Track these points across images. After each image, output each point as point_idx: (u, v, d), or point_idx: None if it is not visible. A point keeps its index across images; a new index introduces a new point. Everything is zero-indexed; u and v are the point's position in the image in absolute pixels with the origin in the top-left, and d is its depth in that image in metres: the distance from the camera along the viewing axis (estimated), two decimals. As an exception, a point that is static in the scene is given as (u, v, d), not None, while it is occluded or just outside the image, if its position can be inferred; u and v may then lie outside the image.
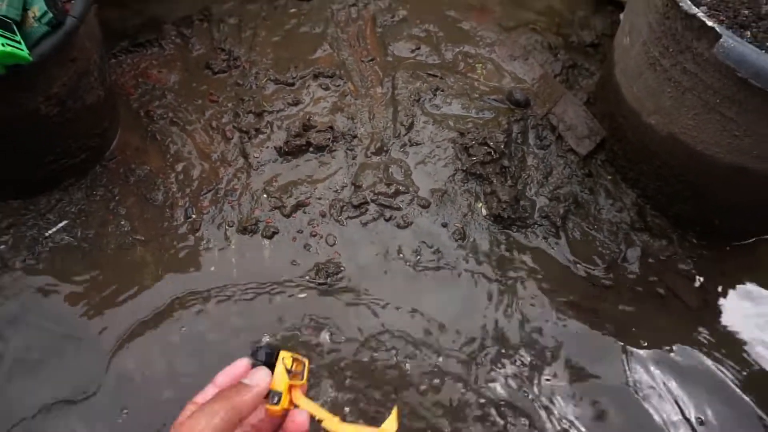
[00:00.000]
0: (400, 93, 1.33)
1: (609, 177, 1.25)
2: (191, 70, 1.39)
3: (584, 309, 1.11)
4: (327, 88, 1.34)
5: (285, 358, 0.48)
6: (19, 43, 0.80)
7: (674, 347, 1.08)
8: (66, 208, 1.19)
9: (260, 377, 0.47)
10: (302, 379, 0.48)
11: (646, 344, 1.08)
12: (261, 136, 1.27)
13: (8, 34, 0.79)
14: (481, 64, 1.39)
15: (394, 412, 0.46)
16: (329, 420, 0.46)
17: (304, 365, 0.49)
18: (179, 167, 1.25)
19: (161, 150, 1.27)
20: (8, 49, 0.76)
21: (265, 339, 1.05)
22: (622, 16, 1.32)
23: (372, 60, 1.38)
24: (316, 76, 1.35)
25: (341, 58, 1.39)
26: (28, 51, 0.81)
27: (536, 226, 1.19)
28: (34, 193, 1.18)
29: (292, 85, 1.34)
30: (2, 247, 1.14)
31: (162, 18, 1.47)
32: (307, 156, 1.25)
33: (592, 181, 1.24)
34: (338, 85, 1.34)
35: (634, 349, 1.07)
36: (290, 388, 0.47)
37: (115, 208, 1.20)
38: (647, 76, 0.96)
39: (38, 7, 0.85)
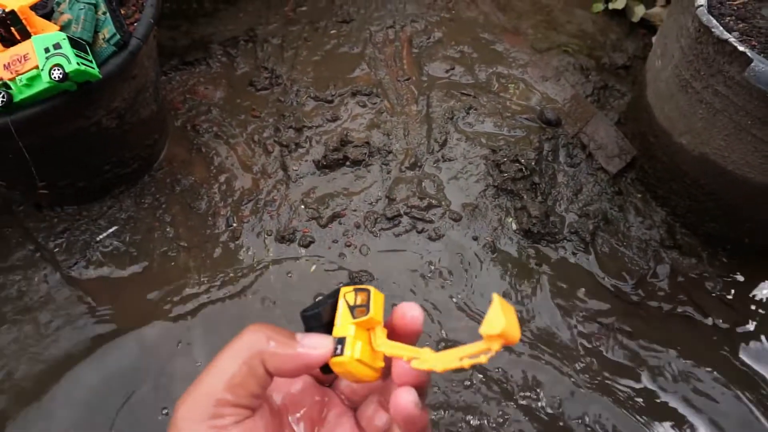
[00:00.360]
0: (435, 111, 1.37)
1: (639, 195, 1.27)
2: (236, 87, 1.47)
3: (612, 325, 1.12)
4: (364, 106, 1.39)
5: (347, 293, 0.37)
6: (91, 62, 0.87)
7: (702, 369, 1.08)
8: (116, 214, 1.26)
9: (312, 342, 0.35)
10: (367, 313, 0.35)
11: (673, 363, 1.09)
12: (300, 150, 1.33)
13: (82, 54, 0.86)
14: (513, 84, 1.43)
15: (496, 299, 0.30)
16: (423, 356, 0.33)
17: (369, 294, 0.36)
18: (222, 178, 1.31)
19: (206, 162, 1.34)
20: (82, 68, 0.84)
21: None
22: (654, 38, 1.35)
23: (408, 79, 1.44)
24: (354, 94, 1.41)
25: (378, 77, 1.45)
26: (98, 69, 0.88)
27: (565, 241, 1.21)
28: (89, 199, 1.26)
29: (331, 102, 1.40)
30: (56, 249, 1.22)
31: (210, 38, 1.56)
32: (344, 170, 1.30)
33: (622, 198, 1.26)
34: (375, 103, 1.40)
35: (661, 368, 1.08)
36: (366, 330, 0.36)
37: (162, 216, 1.27)
38: (679, 97, 0.99)
39: (108, 30, 0.93)
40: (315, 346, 0.34)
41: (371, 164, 1.30)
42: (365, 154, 1.30)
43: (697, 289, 1.18)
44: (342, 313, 0.36)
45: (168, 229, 1.25)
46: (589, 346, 1.09)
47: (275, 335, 0.34)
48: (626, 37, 1.52)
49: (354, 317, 0.36)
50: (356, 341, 0.35)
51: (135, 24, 1.02)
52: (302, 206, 1.25)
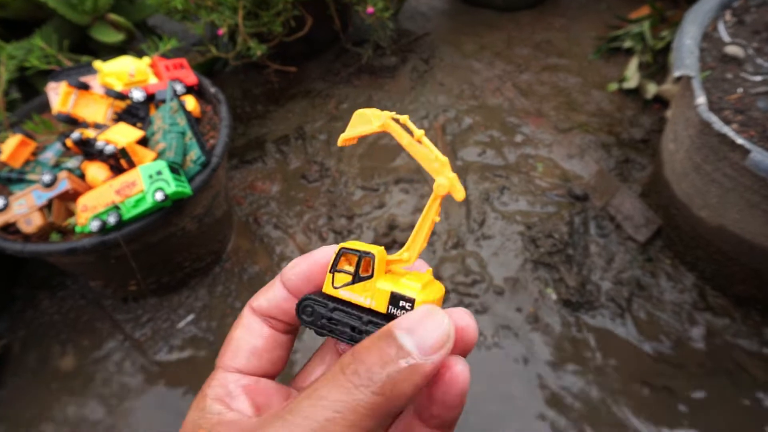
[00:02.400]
0: (471, 193, 1.51)
1: (668, 261, 1.36)
2: (289, 181, 1.64)
3: (656, 386, 1.20)
4: (407, 192, 1.54)
5: (328, 283, 0.35)
6: (184, 182, 1.05)
7: (746, 421, 1.14)
8: (193, 303, 1.41)
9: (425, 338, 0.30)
10: (371, 270, 0.34)
11: (718, 420, 1.15)
12: (352, 236, 1.47)
13: (176, 176, 1.04)
14: (541, 164, 1.56)
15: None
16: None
17: (355, 258, 0.35)
18: (284, 265, 1.46)
19: (268, 251, 1.50)
20: (179, 189, 1.01)
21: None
22: (668, 114, 1.48)
23: (444, 165, 1.59)
24: (397, 182, 1.57)
25: (417, 164, 1.60)
26: (190, 188, 1.06)
27: (603, 308, 1.31)
28: (169, 292, 1.41)
29: (377, 190, 1.56)
30: (142, 338, 1.36)
31: (264, 138, 1.76)
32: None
33: (653, 265, 1.36)
34: (417, 189, 1.55)
35: (707, 425, 1.14)
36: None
37: (232, 303, 1.41)
38: (693, 177, 1.11)
39: (194, 152, 1.11)
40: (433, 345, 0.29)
41: (417, 246, 1.43)
42: (411, 236, 1.43)
43: (733, 347, 1.24)
44: (358, 288, 0.34)
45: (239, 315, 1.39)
46: (636, 406, 1.16)
47: None
48: (642, 113, 1.66)
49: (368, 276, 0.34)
50: (404, 287, 0.33)
51: (210, 140, 1.21)
52: (358, 288, 1.38)
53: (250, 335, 0.36)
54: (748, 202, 1.00)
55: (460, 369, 0.31)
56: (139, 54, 1.38)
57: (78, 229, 1.04)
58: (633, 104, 1.69)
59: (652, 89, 1.64)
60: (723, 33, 1.14)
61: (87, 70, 1.28)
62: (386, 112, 0.34)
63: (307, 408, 0.28)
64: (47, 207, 1.06)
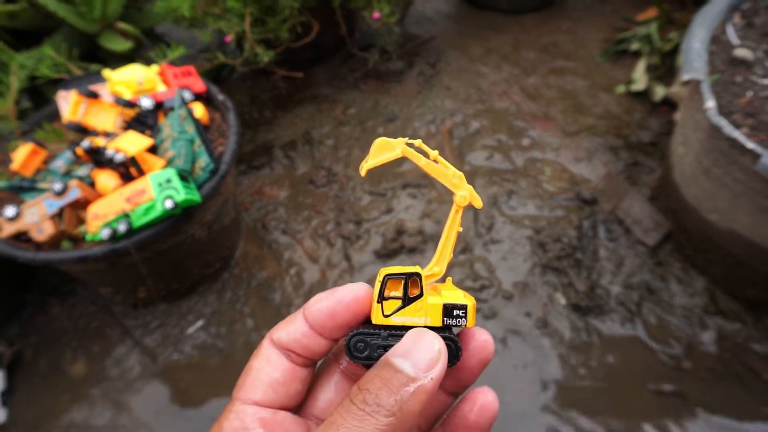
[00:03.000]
0: (480, 198, 1.51)
1: (678, 265, 1.35)
2: (297, 187, 1.64)
3: (666, 391, 1.19)
4: (414, 197, 1.54)
5: (378, 311, 0.35)
6: (194, 190, 1.05)
7: (758, 425, 1.13)
8: (202, 309, 1.42)
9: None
10: (421, 290, 0.35)
11: (730, 422, 1.14)
12: (360, 241, 1.47)
13: (186, 184, 1.04)
14: (549, 167, 1.56)
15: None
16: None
17: (402, 281, 0.35)
18: (292, 271, 1.46)
19: (276, 257, 1.50)
20: (189, 197, 1.01)
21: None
22: (676, 116, 1.48)
23: (451, 169, 1.59)
24: (404, 187, 1.57)
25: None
26: (199, 195, 1.06)
27: (613, 313, 1.30)
28: (178, 298, 1.42)
29: (384, 195, 1.56)
30: (152, 344, 1.37)
31: (271, 143, 1.76)
32: (402, 257, 1.44)
33: (663, 269, 1.35)
34: (424, 194, 1.55)
35: (720, 427, 1.13)
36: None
37: (241, 309, 1.42)
38: (702, 181, 1.10)
39: (203, 160, 1.11)
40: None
41: (426, 250, 1.43)
42: (420, 241, 1.43)
43: (745, 351, 1.23)
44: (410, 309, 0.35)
45: (248, 320, 1.39)
46: (647, 410, 1.16)
47: None
48: (650, 115, 1.65)
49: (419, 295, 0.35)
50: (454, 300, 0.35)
51: (219, 147, 1.21)
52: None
53: (269, 367, 0.37)
54: (758, 206, 0.99)
55: (490, 400, 0.37)
56: (148, 62, 1.38)
57: (89, 237, 1.05)
58: (641, 107, 1.68)
59: (660, 92, 1.64)
60: (732, 36, 1.14)
61: (96, 78, 1.29)
62: (400, 139, 0.36)
63: None
64: (58, 215, 1.06)
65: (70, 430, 1.25)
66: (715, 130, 0.96)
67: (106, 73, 1.23)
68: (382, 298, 0.35)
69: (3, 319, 1.41)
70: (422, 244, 1.44)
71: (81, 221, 1.10)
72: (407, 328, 0.35)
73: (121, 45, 1.48)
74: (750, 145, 0.90)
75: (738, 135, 0.92)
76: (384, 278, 0.35)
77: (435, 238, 1.45)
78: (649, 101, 1.68)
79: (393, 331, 0.35)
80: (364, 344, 0.35)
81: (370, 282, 1.39)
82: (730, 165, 0.98)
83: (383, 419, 0.30)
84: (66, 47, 1.40)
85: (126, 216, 1.03)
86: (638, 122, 1.64)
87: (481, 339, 0.37)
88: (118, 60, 1.52)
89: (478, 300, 1.33)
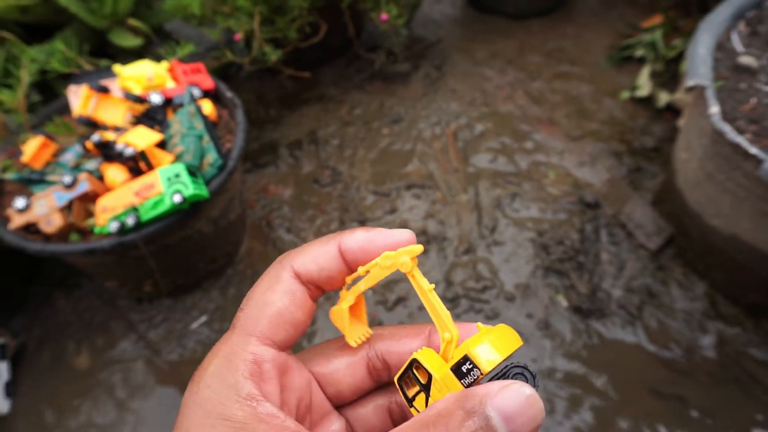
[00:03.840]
0: (483, 199, 1.52)
1: (679, 269, 1.36)
2: (302, 185, 1.66)
3: (666, 394, 1.20)
4: (419, 197, 1.56)
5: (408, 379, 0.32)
6: (202, 185, 1.06)
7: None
8: (206, 305, 1.43)
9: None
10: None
11: (729, 429, 1.15)
12: (364, 240, 1.48)
13: (194, 179, 1.05)
14: (552, 171, 1.57)
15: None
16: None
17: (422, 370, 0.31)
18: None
19: (280, 254, 1.51)
20: (196, 191, 1.03)
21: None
22: (680, 122, 1.49)
23: (456, 171, 1.60)
24: (408, 187, 1.58)
25: (429, 170, 1.62)
26: (207, 191, 1.07)
27: (614, 316, 1.31)
28: (182, 292, 1.43)
29: (389, 195, 1.57)
30: (156, 338, 1.38)
31: (277, 142, 1.78)
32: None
33: (664, 273, 1.36)
34: (428, 194, 1.56)
35: (719, 434, 1.14)
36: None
37: (245, 305, 1.42)
38: (705, 186, 1.11)
39: (211, 156, 1.12)
40: None
41: (429, 251, 1.44)
42: (423, 241, 1.44)
43: (745, 356, 1.24)
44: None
45: (251, 317, 1.40)
46: (646, 414, 1.17)
47: None
48: (653, 121, 1.66)
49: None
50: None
51: (226, 144, 1.22)
52: (370, 292, 1.40)
53: (291, 306, 0.31)
54: (760, 211, 1.00)
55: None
56: (157, 58, 1.40)
57: (97, 230, 1.06)
58: (645, 113, 1.70)
59: (664, 98, 1.65)
60: (737, 43, 1.15)
61: (106, 74, 1.30)
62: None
63: None
64: (67, 208, 1.08)
65: (73, 422, 1.26)
66: (718, 135, 0.97)
67: (117, 68, 1.24)
68: (410, 402, 0.31)
69: (8, 310, 1.43)
70: (426, 245, 1.45)
71: (89, 214, 1.11)
72: None
73: (131, 41, 1.50)
74: (753, 150, 0.91)
75: (741, 140, 0.93)
76: (398, 383, 0.32)
77: (438, 239, 1.46)
78: (653, 107, 1.69)
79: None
80: None
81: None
82: (733, 170, 1.00)
83: None
84: (76, 42, 1.42)
85: (134, 209, 1.05)
86: (642, 128, 1.66)
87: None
88: (127, 56, 1.53)
89: (479, 301, 1.34)
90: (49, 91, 1.52)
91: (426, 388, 0.30)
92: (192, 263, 1.32)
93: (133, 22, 1.49)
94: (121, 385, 1.31)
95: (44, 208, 1.06)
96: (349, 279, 0.33)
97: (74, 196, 1.06)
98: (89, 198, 1.09)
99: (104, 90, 1.20)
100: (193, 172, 1.07)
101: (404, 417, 0.35)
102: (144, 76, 1.25)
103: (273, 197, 1.64)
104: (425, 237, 1.46)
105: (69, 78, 1.34)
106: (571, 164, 1.59)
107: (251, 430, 0.27)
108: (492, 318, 1.32)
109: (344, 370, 0.34)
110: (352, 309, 0.35)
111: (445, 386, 0.29)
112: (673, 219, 1.35)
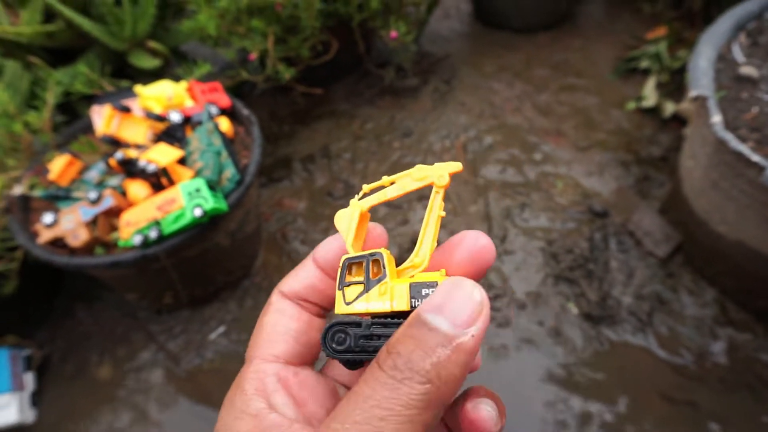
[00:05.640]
0: (493, 210, 1.55)
1: (689, 276, 1.38)
2: (316, 198, 1.70)
3: (677, 400, 1.21)
4: (430, 209, 1.59)
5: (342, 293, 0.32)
6: (221, 199, 1.11)
7: (771, 436, 1.15)
8: (224, 316, 1.47)
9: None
10: (384, 272, 0.31)
11: (742, 433, 1.16)
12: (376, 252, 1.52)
13: (213, 193, 1.10)
14: (561, 181, 1.60)
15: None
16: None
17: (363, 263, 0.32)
18: (311, 279, 1.50)
19: (294, 266, 1.54)
20: (216, 205, 1.07)
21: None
22: (686, 132, 1.51)
23: (466, 182, 1.63)
24: (420, 199, 1.61)
25: (439, 182, 1.65)
26: (227, 205, 1.11)
27: (624, 322, 1.33)
28: (200, 304, 1.47)
29: (400, 207, 1.61)
30: (176, 349, 1.42)
31: (290, 156, 1.82)
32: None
33: (673, 280, 1.38)
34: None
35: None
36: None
37: (261, 316, 1.46)
38: (710, 193, 1.14)
39: (230, 171, 1.17)
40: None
41: (440, 261, 1.47)
42: (434, 252, 1.47)
43: (755, 362, 1.26)
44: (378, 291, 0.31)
45: (267, 327, 1.43)
46: (658, 420, 1.18)
47: None
48: (660, 131, 1.69)
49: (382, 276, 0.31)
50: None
51: (243, 159, 1.27)
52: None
53: (284, 319, 0.33)
54: (765, 217, 1.02)
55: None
56: (175, 78, 1.45)
57: (121, 243, 1.10)
58: (651, 123, 1.72)
59: (669, 108, 1.68)
60: (738, 54, 1.18)
61: (126, 94, 1.35)
62: (351, 201, 0.35)
63: (354, 412, 0.26)
64: (93, 222, 1.12)
65: (95, 430, 1.30)
66: (721, 144, 1.00)
67: (138, 89, 1.30)
68: (343, 284, 0.31)
69: (33, 323, 1.47)
70: (437, 255, 1.48)
71: (113, 228, 1.15)
72: (391, 314, 0.30)
73: (150, 62, 1.55)
74: (755, 158, 0.93)
75: (744, 149, 0.96)
76: (344, 262, 0.32)
77: (450, 249, 1.48)
78: (659, 117, 1.71)
79: (378, 319, 0.30)
80: (343, 335, 0.30)
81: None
82: (737, 178, 1.02)
83: (418, 387, 0.25)
84: (98, 64, 1.48)
85: (157, 223, 1.09)
86: (648, 138, 1.68)
87: (479, 243, 0.32)
88: (146, 77, 1.59)
89: (492, 309, 1.37)
90: (71, 112, 1.58)
91: (368, 286, 0.30)
92: (210, 275, 1.36)
93: (153, 44, 1.55)
94: (141, 395, 1.34)
95: (71, 223, 1.11)
96: (367, 188, 0.34)
97: (99, 211, 1.11)
98: (113, 213, 1.14)
99: (126, 110, 1.25)
100: (212, 186, 1.11)
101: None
102: (164, 95, 1.30)
103: (287, 210, 1.68)
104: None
105: (91, 99, 1.40)
106: (579, 174, 1.62)
107: None
108: (504, 326, 1.35)
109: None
110: (357, 229, 0.33)
111: (389, 292, 0.30)
112: (681, 226, 1.37)
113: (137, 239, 1.07)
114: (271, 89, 1.99)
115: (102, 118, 1.26)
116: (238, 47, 1.59)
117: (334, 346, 0.30)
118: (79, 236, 1.10)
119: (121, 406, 1.33)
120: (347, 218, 0.33)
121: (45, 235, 1.11)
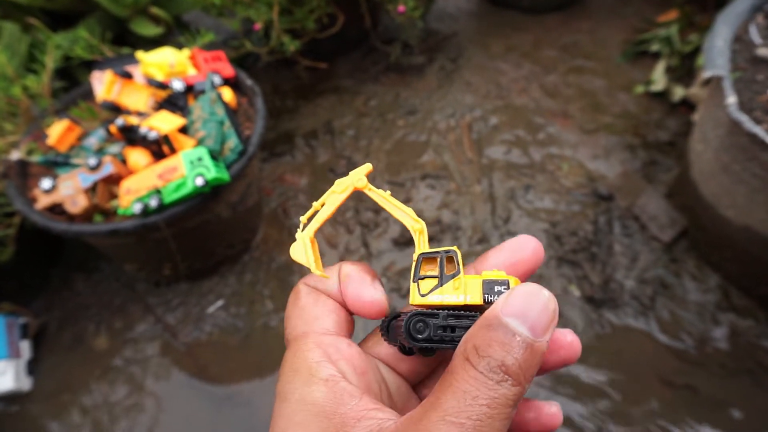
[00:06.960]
0: (497, 190, 1.54)
1: (692, 261, 1.37)
2: (318, 174, 1.68)
3: (678, 385, 1.21)
4: (433, 188, 1.57)
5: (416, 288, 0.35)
6: (224, 169, 1.08)
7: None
8: (222, 290, 1.45)
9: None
10: (458, 269, 0.33)
11: (739, 419, 1.15)
12: (379, 229, 1.50)
13: (215, 163, 1.08)
14: (566, 163, 1.58)
15: None
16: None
17: (437, 259, 0.34)
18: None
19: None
20: (218, 174, 1.05)
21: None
22: (695, 117, 1.49)
23: (470, 162, 1.61)
24: (423, 178, 1.59)
25: (443, 161, 1.63)
26: (228, 175, 1.09)
27: (626, 306, 1.32)
28: (200, 277, 1.46)
29: (403, 185, 1.59)
30: (173, 321, 1.41)
31: (293, 132, 1.80)
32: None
33: (677, 265, 1.37)
34: (443, 185, 1.57)
35: (728, 423, 1.15)
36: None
37: (261, 290, 1.45)
38: (721, 177, 1.12)
39: (232, 141, 1.14)
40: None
41: (443, 240, 1.46)
42: (437, 231, 1.46)
43: (757, 348, 1.25)
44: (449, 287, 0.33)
45: (267, 302, 1.42)
46: (658, 404, 1.18)
47: None
48: (668, 116, 1.67)
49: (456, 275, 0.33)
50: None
51: (246, 131, 1.25)
52: (384, 279, 1.41)
53: (320, 299, 0.36)
54: (776, 202, 1.01)
55: (554, 411, 0.37)
56: (177, 47, 1.42)
57: (120, 211, 1.08)
58: (659, 107, 1.70)
59: (679, 92, 1.65)
60: (755, 35, 1.15)
61: (127, 60, 1.32)
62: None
63: (469, 408, 0.27)
64: (92, 189, 1.10)
65: (89, 400, 1.29)
66: (735, 125, 0.98)
67: (140, 55, 1.27)
68: (417, 277, 0.34)
69: (30, 291, 1.46)
70: (440, 234, 1.47)
71: (113, 196, 1.13)
72: (464, 307, 0.33)
73: (151, 30, 1.52)
74: (770, 140, 0.92)
75: (758, 130, 0.94)
76: (419, 257, 0.34)
77: (452, 228, 1.47)
78: (668, 102, 1.69)
79: (452, 311, 0.33)
80: (423, 324, 0.32)
81: (388, 270, 1.42)
82: (749, 161, 1.00)
83: (513, 389, 0.28)
84: (99, 30, 1.44)
85: (157, 192, 1.07)
86: (656, 122, 1.66)
87: (537, 253, 0.36)
88: (147, 44, 1.56)
89: (493, 289, 1.36)
90: (70, 78, 1.55)
91: (442, 280, 0.33)
92: (210, 247, 1.34)
93: (156, 10, 1.51)
94: (137, 366, 1.33)
95: (69, 189, 1.09)
96: (304, 219, 0.36)
97: (99, 178, 1.08)
98: (113, 180, 1.12)
99: (128, 76, 1.22)
100: (214, 156, 1.09)
101: None
102: (166, 63, 1.27)
103: (289, 186, 1.66)
104: (440, 226, 1.47)
105: (91, 65, 1.37)
106: (584, 157, 1.60)
107: (335, 414, 0.30)
108: (505, 307, 1.34)
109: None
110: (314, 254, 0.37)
111: (463, 287, 0.33)
112: (687, 211, 1.36)
113: (137, 207, 1.05)
114: (274, 62, 1.95)
115: (102, 84, 1.23)
116: (242, 17, 1.55)
117: (415, 335, 0.32)
118: (77, 203, 1.08)
119: (117, 377, 1.32)
120: (302, 250, 0.36)
121: (43, 201, 1.09)
